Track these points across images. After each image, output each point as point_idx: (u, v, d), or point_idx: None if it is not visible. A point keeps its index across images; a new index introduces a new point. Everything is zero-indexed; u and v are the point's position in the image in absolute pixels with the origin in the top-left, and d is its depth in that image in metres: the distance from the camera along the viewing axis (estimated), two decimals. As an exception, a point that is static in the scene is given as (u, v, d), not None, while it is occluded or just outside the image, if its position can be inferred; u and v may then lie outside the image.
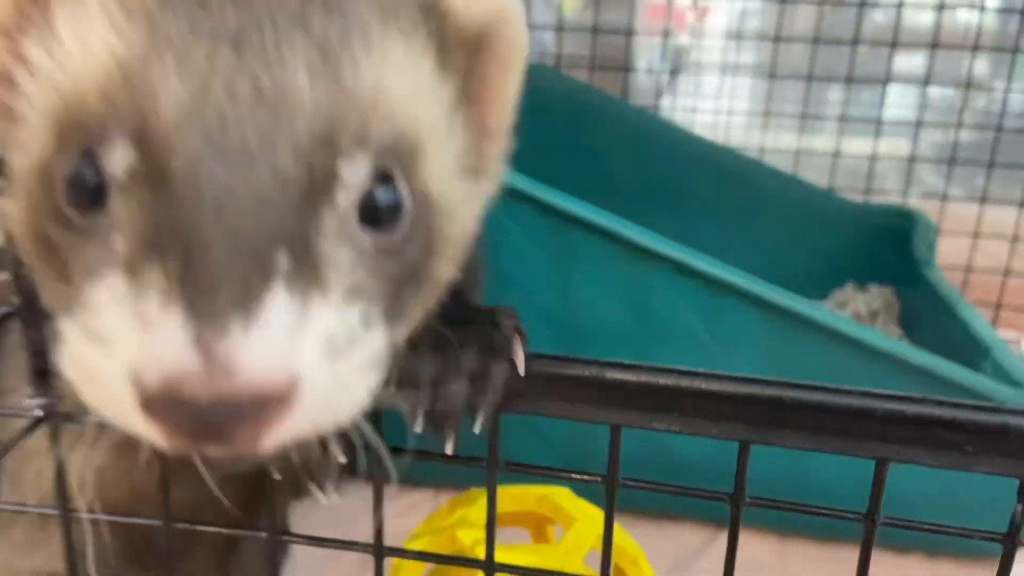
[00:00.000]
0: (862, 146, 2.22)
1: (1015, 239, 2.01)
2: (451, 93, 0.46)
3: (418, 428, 0.55)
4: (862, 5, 2.10)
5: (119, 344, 0.32)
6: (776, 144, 2.27)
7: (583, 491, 0.91)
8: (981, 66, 2.18)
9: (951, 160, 2.11)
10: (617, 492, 0.61)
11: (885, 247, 1.99)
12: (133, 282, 0.33)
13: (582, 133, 2.09)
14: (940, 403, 0.54)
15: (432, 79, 0.44)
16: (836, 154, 2.20)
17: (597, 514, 0.87)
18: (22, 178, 0.42)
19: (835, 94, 2.26)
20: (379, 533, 0.66)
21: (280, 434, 0.34)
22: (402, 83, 0.41)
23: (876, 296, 1.95)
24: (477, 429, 0.56)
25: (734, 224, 2.05)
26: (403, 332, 0.47)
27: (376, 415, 0.63)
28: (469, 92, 0.47)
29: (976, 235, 2.03)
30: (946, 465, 0.54)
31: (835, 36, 2.13)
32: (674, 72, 2.44)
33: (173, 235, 0.33)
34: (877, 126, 2.19)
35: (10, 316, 0.56)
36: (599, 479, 0.61)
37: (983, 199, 2.05)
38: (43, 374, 0.55)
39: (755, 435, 0.57)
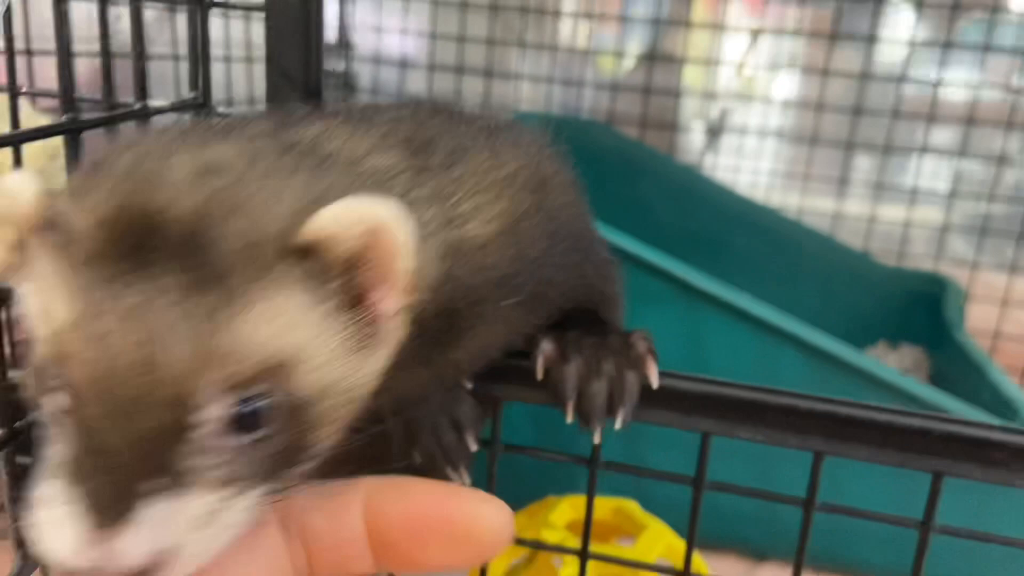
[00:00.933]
0: (896, 213, 2.33)
1: (1043, 308, 2.10)
2: (330, 305, 0.53)
3: (568, 419, 0.66)
4: (900, 80, 2.23)
5: (44, 533, 0.47)
6: (814, 206, 2.38)
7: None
8: (1014, 143, 2.29)
9: (982, 231, 2.22)
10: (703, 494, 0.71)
11: (917, 310, 2.08)
12: (63, 489, 0.46)
13: (631, 186, 2.22)
14: (990, 427, 0.64)
15: (304, 309, 0.52)
16: (871, 219, 2.31)
17: (663, 527, 0.97)
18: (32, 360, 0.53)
19: (871, 161, 2.37)
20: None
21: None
22: (270, 326, 0.50)
23: (907, 355, 2.03)
24: (618, 426, 0.66)
25: (772, 280, 2.14)
26: (303, 467, 0.55)
27: (494, 420, 0.74)
28: (356, 291, 0.53)
29: (1005, 303, 2.13)
30: (993, 480, 0.63)
31: (873, 107, 2.26)
32: (715, 133, 2.57)
33: (85, 465, 0.47)
34: (911, 195, 2.31)
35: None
36: (688, 480, 0.71)
37: (1012, 269, 2.15)
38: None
39: (828, 447, 0.67)
